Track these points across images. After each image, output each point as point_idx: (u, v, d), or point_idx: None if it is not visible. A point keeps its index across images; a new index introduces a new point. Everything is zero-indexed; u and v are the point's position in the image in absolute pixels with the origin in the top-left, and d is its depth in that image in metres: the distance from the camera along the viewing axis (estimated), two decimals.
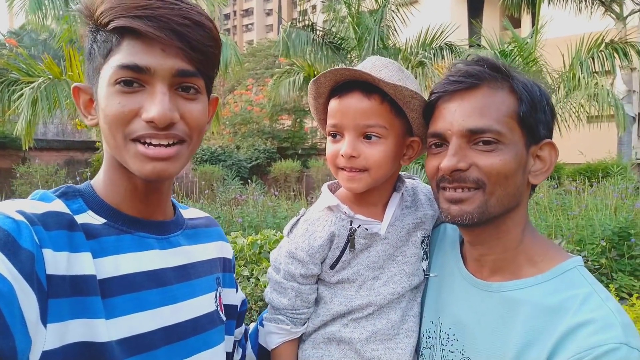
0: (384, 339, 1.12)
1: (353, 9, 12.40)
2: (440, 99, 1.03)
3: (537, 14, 10.85)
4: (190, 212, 1.11)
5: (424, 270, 1.17)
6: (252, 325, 1.33)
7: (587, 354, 0.84)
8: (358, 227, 1.11)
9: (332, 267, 1.13)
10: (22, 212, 0.75)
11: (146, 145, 0.83)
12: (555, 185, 8.57)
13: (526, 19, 17.58)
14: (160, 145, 0.83)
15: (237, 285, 1.21)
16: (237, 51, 10.51)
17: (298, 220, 1.19)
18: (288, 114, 19.64)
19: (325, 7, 14.45)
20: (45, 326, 0.72)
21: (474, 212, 0.97)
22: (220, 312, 1.04)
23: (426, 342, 1.13)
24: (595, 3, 13.33)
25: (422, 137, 1.11)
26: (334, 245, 1.12)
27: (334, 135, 1.10)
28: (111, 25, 0.81)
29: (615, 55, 10.82)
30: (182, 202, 8.15)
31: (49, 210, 0.80)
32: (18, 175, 10.65)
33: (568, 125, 10.20)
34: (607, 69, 11.17)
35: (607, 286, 3.99)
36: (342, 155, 1.06)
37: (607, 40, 10.84)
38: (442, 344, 1.08)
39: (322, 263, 1.14)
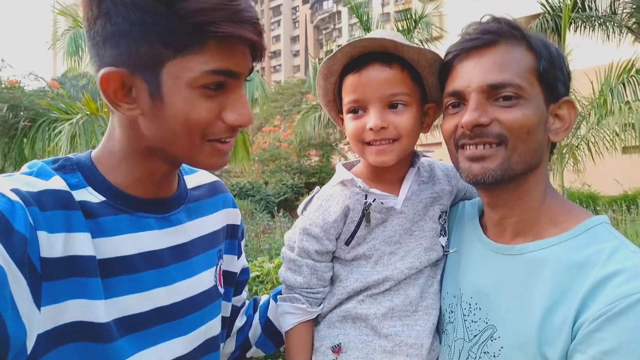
0: (402, 316, 1.09)
1: None
2: (457, 57, 1.02)
3: (562, 43, 10.80)
4: (195, 179, 1.08)
5: (442, 247, 1.14)
6: (264, 297, 1.31)
7: (618, 304, 0.80)
8: (373, 201, 1.09)
9: (347, 242, 1.11)
10: (17, 191, 0.72)
11: (221, 143, 0.85)
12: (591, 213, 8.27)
13: None
14: (229, 141, 0.87)
15: (241, 252, 1.19)
16: (266, 89, 10.80)
17: (312, 197, 1.18)
18: (315, 150, 19.85)
19: None
20: (39, 309, 0.71)
21: (496, 169, 0.95)
22: (219, 286, 1.03)
23: (449, 318, 1.09)
24: (623, 30, 13.20)
25: (437, 102, 1.11)
26: (348, 220, 1.10)
27: (354, 111, 1.08)
28: (213, 30, 0.74)
29: None
30: None
31: (46, 189, 0.77)
32: None
33: (602, 154, 9.91)
34: None
35: None
36: (370, 129, 1.04)
37: (637, 67, 10.64)
38: (464, 314, 1.04)
39: (337, 239, 1.12)
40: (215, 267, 1.02)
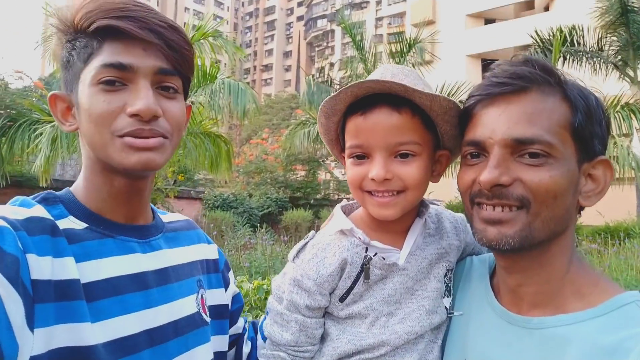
0: None
1: (369, 65, 12.71)
2: (481, 102, 0.90)
3: None
4: (169, 217, 1.11)
5: (446, 309, 1.03)
6: (261, 318, 1.23)
7: None
8: (374, 256, 0.98)
9: (342, 299, 0.99)
10: (4, 218, 0.75)
11: (133, 137, 0.85)
12: (575, 244, 8.31)
13: None
14: (146, 137, 0.87)
15: (228, 283, 1.16)
16: (257, 100, 10.70)
17: (306, 243, 1.06)
18: (302, 164, 19.77)
19: (342, 63, 14.90)
20: (32, 331, 0.72)
21: (515, 237, 0.84)
22: (203, 314, 1.01)
23: None
24: (609, 66, 13.50)
25: (451, 150, 1.01)
26: (345, 275, 0.99)
27: (358, 157, 0.97)
28: (93, 27, 0.84)
29: (633, 116, 10.79)
30: None
31: (31, 216, 0.80)
32: None
33: None
34: (624, 132, 11.11)
35: None
36: (372, 179, 0.93)
37: (622, 103, 10.85)
38: None
39: (330, 294, 1.00)
40: (196, 294, 1.01)
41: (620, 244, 7.89)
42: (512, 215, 0.85)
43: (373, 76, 0.98)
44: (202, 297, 1.03)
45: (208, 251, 1.13)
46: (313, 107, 12.76)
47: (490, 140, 0.86)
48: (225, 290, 1.14)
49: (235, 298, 1.19)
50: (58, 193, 0.91)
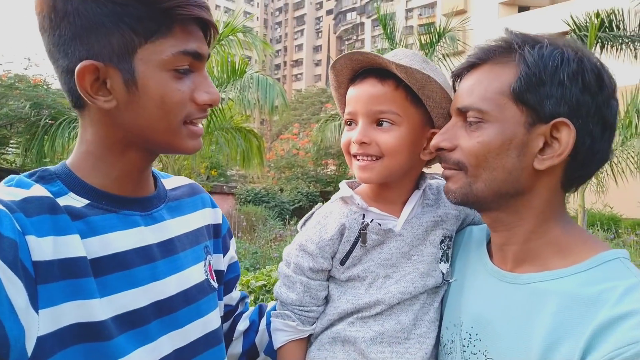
0: (392, 342, 1.02)
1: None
2: (456, 78, 1.00)
3: None
4: (172, 182, 1.09)
5: (442, 274, 1.07)
6: (270, 304, 1.27)
7: (630, 348, 0.71)
8: (371, 222, 1.04)
9: (342, 262, 1.06)
10: None
11: (193, 125, 0.89)
12: (613, 236, 8.02)
13: None
14: (201, 123, 0.91)
15: (227, 249, 1.17)
16: (285, 96, 10.80)
17: (313, 213, 1.15)
18: (332, 159, 19.82)
19: None
20: (37, 312, 0.72)
21: (457, 192, 0.94)
22: (211, 280, 1.03)
23: (449, 349, 1.01)
24: None
25: (442, 128, 1.04)
26: (344, 239, 1.06)
27: (349, 123, 1.07)
28: (181, 12, 0.80)
29: None
30: None
31: (28, 196, 0.77)
32: None
33: (625, 176, 9.65)
34: None
35: None
36: (354, 142, 1.02)
37: None
38: (464, 345, 0.96)
39: (332, 258, 1.08)
40: (203, 261, 1.03)
41: None
42: (453, 174, 0.95)
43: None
44: (209, 262, 1.05)
45: (214, 215, 1.14)
46: None
47: (451, 109, 0.98)
48: (223, 257, 1.15)
49: (232, 267, 1.20)
50: (53, 169, 0.87)
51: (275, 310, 1.14)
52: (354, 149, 1.04)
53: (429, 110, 1.03)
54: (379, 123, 1.02)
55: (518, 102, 0.87)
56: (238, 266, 1.24)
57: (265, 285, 3.74)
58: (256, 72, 10.06)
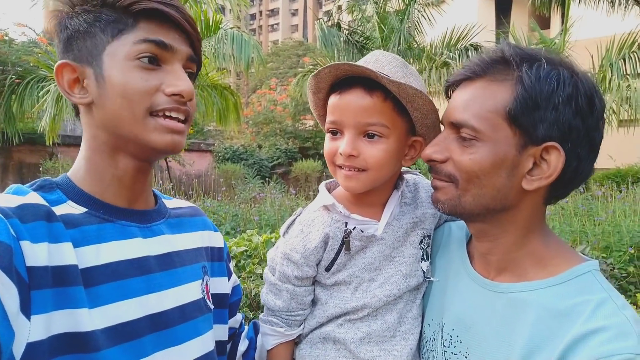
0: (379, 341, 1.08)
1: (380, 8, 12.30)
2: (451, 87, 1.01)
3: (566, 14, 10.56)
4: (174, 202, 1.11)
5: (423, 272, 1.12)
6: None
7: None
8: (353, 229, 1.06)
9: (328, 269, 1.09)
10: None
11: (165, 118, 0.87)
12: (582, 190, 8.30)
13: (556, 20, 17.12)
14: (177, 119, 0.89)
15: (231, 273, 1.19)
16: (260, 51, 10.54)
17: (294, 220, 1.15)
18: (311, 114, 19.61)
19: (350, 6, 14.35)
20: (28, 318, 0.72)
21: (445, 203, 0.97)
22: (208, 301, 1.03)
23: (432, 346, 1.08)
24: (629, 2, 12.88)
25: (425, 137, 1.06)
26: (328, 247, 1.08)
27: (333, 132, 1.05)
28: (138, 7, 0.85)
29: None
30: (200, 199, 8.23)
31: (24, 203, 0.79)
32: (44, 170, 10.92)
33: None
34: (639, 72, 10.76)
35: (634, 295, 3.83)
36: (340, 154, 1.01)
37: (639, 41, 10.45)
38: (445, 345, 1.03)
39: (317, 265, 1.11)
40: (201, 280, 1.02)
41: (627, 189, 7.88)
42: (443, 185, 0.97)
43: (360, 61, 1.04)
44: (206, 283, 1.04)
45: (215, 238, 1.14)
46: (325, 52, 12.50)
47: (444, 120, 0.99)
48: (228, 280, 1.16)
49: (236, 289, 1.21)
50: (55, 179, 0.90)
51: (263, 316, 1.18)
52: (340, 160, 1.02)
53: (414, 120, 1.04)
54: (366, 135, 1.01)
55: (512, 124, 0.88)
56: (240, 289, 1.25)
57: (246, 251, 3.78)
58: (231, 28, 9.74)
